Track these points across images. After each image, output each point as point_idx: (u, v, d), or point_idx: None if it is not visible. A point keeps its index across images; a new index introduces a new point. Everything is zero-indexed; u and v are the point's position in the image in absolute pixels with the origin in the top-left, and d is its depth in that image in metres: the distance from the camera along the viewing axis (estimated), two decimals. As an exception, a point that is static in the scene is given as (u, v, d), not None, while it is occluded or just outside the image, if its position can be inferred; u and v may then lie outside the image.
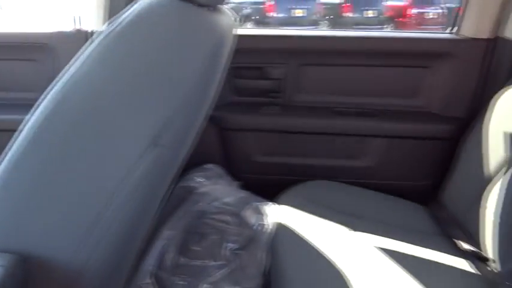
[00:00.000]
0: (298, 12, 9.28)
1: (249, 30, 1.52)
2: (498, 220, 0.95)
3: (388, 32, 1.55)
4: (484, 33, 1.15)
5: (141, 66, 0.54)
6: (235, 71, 1.24)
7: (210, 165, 1.22)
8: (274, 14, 8.80)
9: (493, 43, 1.15)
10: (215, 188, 1.14)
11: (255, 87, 1.25)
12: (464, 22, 1.17)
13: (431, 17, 8.39)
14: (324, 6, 10.29)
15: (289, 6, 9.07)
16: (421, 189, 1.27)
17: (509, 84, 1.05)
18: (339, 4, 10.65)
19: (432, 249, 1.00)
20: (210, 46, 0.59)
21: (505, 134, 1.02)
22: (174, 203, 1.09)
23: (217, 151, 1.29)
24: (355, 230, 1.00)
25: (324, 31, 1.25)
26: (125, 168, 0.52)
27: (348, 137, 1.23)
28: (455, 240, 1.04)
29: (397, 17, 8.88)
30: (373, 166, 1.25)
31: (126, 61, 0.55)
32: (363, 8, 9.55)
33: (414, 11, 8.81)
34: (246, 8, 9.46)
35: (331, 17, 9.74)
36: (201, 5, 0.63)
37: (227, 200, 1.11)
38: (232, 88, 1.26)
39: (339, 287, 0.82)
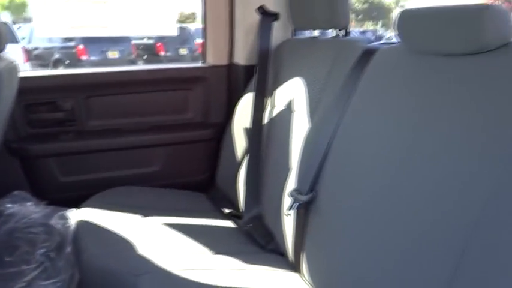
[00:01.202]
0: (113, 54, 9.35)
1: (39, 72, 1.73)
2: (245, 187, 1.37)
3: (157, 65, 1.92)
4: (222, 60, 1.61)
5: None
6: (31, 107, 1.44)
7: (16, 192, 1.37)
8: (87, 58, 8.72)
9: (229, 67, 1.62)
10: (23, 209, 1.30)
11: (51, 119, 1.47)
12: (207, 54, 1.62)
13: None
14: (138, 47, 10.57)
15: (103, 49, 9.08)
16: (202, 181, 1.65)
17: (243, 95, 1.51)
18: (153, 44, 11.08)
19: (208, 219, 1.36)
20: None
21: (243, 129, 1.46)
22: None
23: (23, 179, 1.45)
24: (146, 216, 1.30)
25: (104, 68, 1.54)
26: None
27: (136, 150, 1.54)
28: (223, 209, 1.43)
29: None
30: (161, 170, 1.59)
31: None
32: (177, 47, 10.14)
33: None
34: (56, 53, 9.12)
35: (146, 57, 10.08)
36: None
37: (35, 216, 1.29)
38: (30, 122, 1.45)
39: (130, 254, 1.09)
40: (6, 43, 1.06)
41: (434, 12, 0.84)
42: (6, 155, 1.40)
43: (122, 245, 1.09)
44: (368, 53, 1.04)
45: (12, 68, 1.04)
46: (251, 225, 1.28)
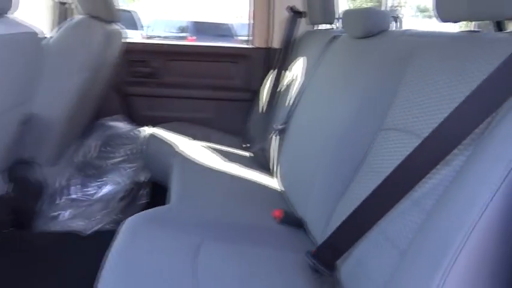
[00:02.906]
0: (217, 47, 10.32)
1: (138, 40, 2.51)
2: (257, 129, 1.96)
3: (215, 43, 2.45)
4: (263, 44, 2.22)
5: None
6: (131, 62, 2.19)
7: (115, 116, 2.14)
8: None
9: (268, 50, 2.22)
10: (118, 124, 2.07)
11: (143, 72, 2.21)
12: (254, 39, 2.24)
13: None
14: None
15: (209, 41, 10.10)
16: (239, 129, 2.27)
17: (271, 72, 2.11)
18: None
19: (231, 148, 1.98)
20: (100, 45, 1.55)
21: (267, 93, 2.05)
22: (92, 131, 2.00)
23: (122, 109, 2.21)
24: (193, 140, 1.96)
25: (180, 42, 2.25)
26: None
27: (194, 100, 2.22)
28: (245, 145, 2.05)
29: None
30: (210, 117, 2.25)
31: None
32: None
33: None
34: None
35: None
36: (104, 21, 1.60)
37: (124, 129, 2.04)
38: (129, 73, 2.21)
39: (173, 149, 1.75)
40: (119, 20, 1.79)
41: (354, 11, 1.37)
42: (113, 93, 2.17)
43: (170, 146, 1.78)
44: (333, 39, 1.57)
45: (119, 32, 1.77)
46: (256, 152, 1.88)
